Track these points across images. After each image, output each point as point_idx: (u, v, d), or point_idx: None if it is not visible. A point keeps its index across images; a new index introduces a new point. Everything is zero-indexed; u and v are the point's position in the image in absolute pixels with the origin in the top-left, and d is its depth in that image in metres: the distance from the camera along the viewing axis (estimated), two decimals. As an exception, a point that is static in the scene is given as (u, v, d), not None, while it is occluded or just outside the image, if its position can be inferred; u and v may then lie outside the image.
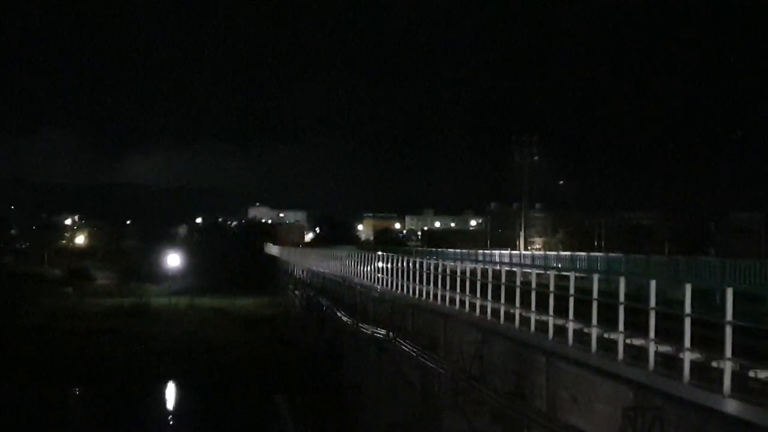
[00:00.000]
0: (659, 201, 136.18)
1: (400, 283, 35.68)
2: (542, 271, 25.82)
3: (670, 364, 15.04)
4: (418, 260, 34.62)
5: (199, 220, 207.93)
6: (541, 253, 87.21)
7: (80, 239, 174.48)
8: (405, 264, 35.57)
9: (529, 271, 24.34)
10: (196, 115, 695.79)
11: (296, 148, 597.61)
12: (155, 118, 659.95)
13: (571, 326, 18.52)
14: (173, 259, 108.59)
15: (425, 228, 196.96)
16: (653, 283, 15.51)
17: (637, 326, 16.23)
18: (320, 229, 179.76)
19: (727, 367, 13.14)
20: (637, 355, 16.03)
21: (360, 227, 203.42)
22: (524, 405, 20.65)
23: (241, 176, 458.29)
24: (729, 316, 13.28)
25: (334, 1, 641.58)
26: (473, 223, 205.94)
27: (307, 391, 49.53)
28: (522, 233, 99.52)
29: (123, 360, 58.20)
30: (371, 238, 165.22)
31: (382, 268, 40.36)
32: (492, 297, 24.12)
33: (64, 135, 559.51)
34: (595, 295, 17.83)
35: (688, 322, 14.32)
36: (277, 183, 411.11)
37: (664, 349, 15.28)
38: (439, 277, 29.71)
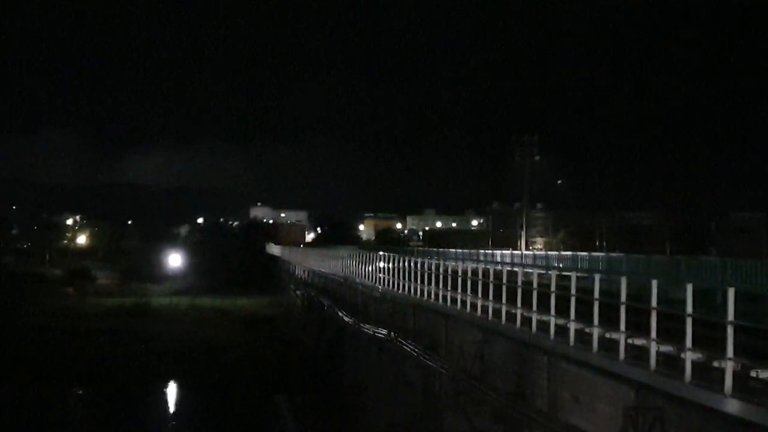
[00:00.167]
0: (659, 201, 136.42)
1: (401, 283, 35.67)
2: (544, 271, 25.83)
3: (671, 364, 15.03)
4: (419, 260, 34.61)
5: (200, 220, 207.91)
6: (543, 253, 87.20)
7: (81, 239, 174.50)
8: (406, 264, 35.55)
9: (531, 271, 24.35)
10: (196, 115, 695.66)
11: (296, 148, 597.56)
12: (155, 118, 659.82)
13: (572, 326, 18.52)
14: (174, 259, 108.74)
15: (426, 228, 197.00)
16: (654, 283, 15.49)
17: (638, 326, 16.22)
18: (321, 229, 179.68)
19: (729, 367, 13.12)
20: (638, 355, 16.02)
21: (361, 227, 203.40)
22: (525, 405, 20.63)
23: (241, 176, 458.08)
24: (730, 316, 13.26)
25: (334, 1, 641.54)
26: (474, 223, 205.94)
27: (307, 391, 49.50)
28: (523, 233, 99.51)
29: (123, 360, 58.17)
30: (372, 238, 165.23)
31: (384, 268, 40.34)
32: (493, 297, 24.11)
33: (64, 135, 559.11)
34: (596, 295, 17.82)
35: (689, 321, 14.30)
36: (277, 183, 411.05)
37: (666, 349, 15.27)
38: (441, 277, 29.70)
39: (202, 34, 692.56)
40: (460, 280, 27.63)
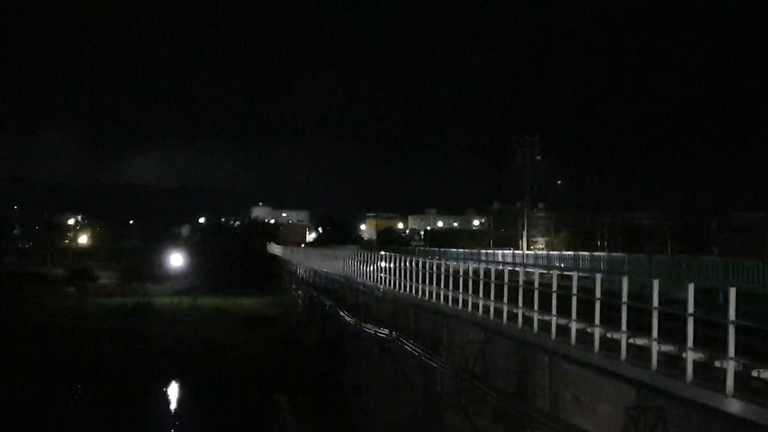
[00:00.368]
0: (659, 201, 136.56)
1: (402, 283, 35.64)
2: (545, 271, 25.80)
3: (672, 363, 15.01)
4: (420, 260, 34.58)
5: (202, 219, 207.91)
6: (544, 252, 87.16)
7: (83, 239, 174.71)
8: (408, 264, 35.53)
9: (532, 270, 24.32)
10: (196, 115, 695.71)
11: (297, 148, 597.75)
12: (155, 118, 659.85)
13: (573, 326, 18.49)
14: (175, 259, 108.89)
15: (428, 228, 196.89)
16: (656, 283, 15.46)
17: (639, 326, 16.19)
18: (323, 228, 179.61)
19: (730, 366, 13.10)
20: (639, 354, 15.99)
21: (362, 227, 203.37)
22: (527, 405, 20.61)
23: (242, 176, 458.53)
24: (732, 316, 13.23)
25: (334, 1, 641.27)
26: (476, 222, 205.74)
27: (308, 391, 49.48)
28: (524, 233, 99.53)
29: (124, 360, 58.24)
30: (374, 237, 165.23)
31: (385, 267, 40.31)
32: (495, 297, 24.10)
33: (64, 135, 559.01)
34: (597, 294, 17.80)
35: (691, 321, 14.28)
36: (278, 183, 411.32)
37: (667, 348, 15.25)
38: (442, 276, 29.67)
39: (202, 34, 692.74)
40: (461, 280, 27.60)
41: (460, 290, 27.16)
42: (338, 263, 57.10)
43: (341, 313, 46.80)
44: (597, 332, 17.37)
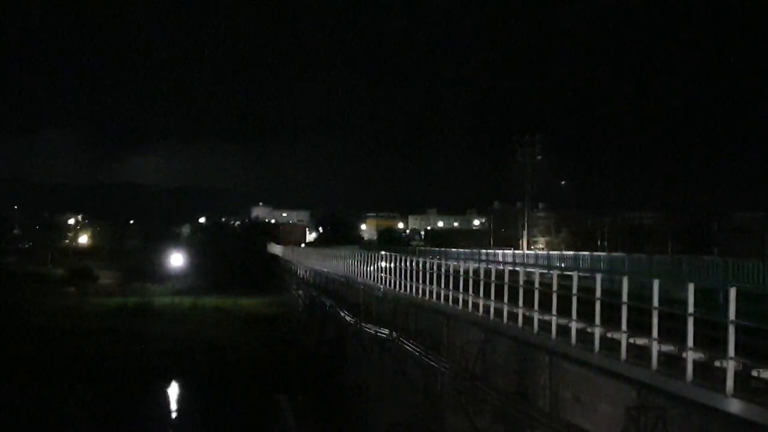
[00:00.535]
0: (660, 201, 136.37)
1: (403, 283, 35.64)
2: (545, 271, 25.79)
3: (673, 363, 15.01)
4: (421, 260, 34.57)
5: (202, 219, 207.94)
6: (544, 252, 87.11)
7: (83, 239, 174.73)
8: (408, 264, 35.52)
9: (532, 270, 24.31)
10: (196, 115, 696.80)
11: (297, 148, 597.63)
12: (155, 118, 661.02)
13: (574, 326, 18.49)
14: (176, 259, 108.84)
15: (428, 227, 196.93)
16: (656, 283, 15.46)
17: (640, 326, 16.19)
18: (323, 228, 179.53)
19: (730, 366, 13.10)
20: (640, 354, 15.99)
21: (363, 227, 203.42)
22: (527, 404, 20.61)
23: (242, 176, 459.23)
24: (732, 316, 13.23)
25: (334, 1, 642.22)
26: (476, 222, 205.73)
27: (308, 391, 49.45)
28: (525, 233, 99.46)
29: (124, 360, 58.21)
30: (374, 237, 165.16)
31: (386, 267, 40.30)
32: (495, 296, 24.09)
33: (64, 135, 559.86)
34: (598, 294, 17.80)
35: (691, 321, 14.27)
36: (278, 183, 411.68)
37: (667, 348, 15.25)
38: (443, 276, 29.67)
39: (202, 34, 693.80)
40: (461, 279, 27.59)
41: (461, 290, 27.15)
42: (338, 263, 57.08)
43: (341, 313, 46.79)
44: (597, 332, 17.36)
